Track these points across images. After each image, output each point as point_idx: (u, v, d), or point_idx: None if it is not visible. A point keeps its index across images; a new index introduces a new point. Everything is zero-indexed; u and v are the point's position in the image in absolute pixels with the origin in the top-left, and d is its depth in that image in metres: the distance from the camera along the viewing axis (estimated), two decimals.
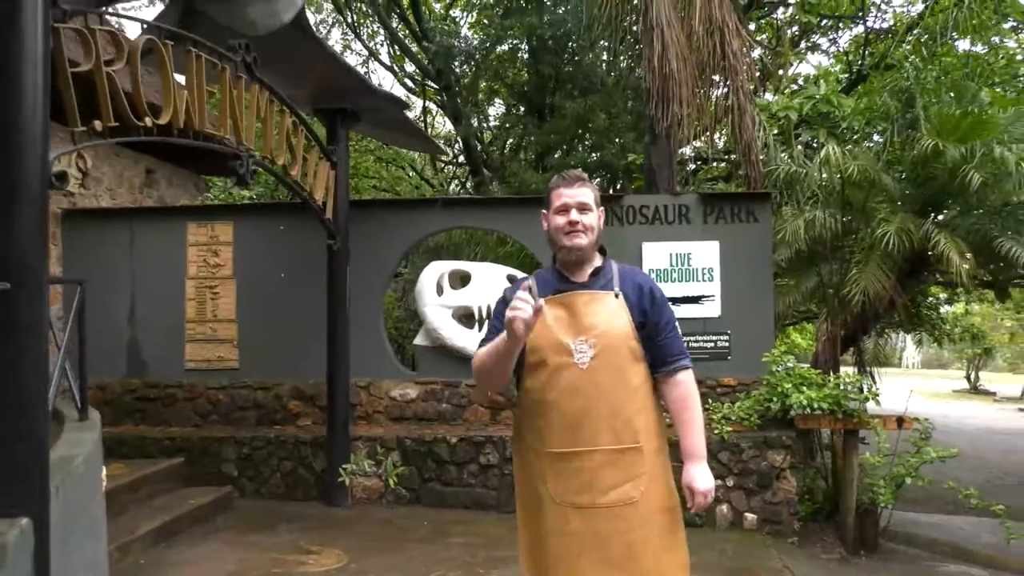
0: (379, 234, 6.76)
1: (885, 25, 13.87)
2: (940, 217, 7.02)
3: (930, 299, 13.46)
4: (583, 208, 2.29)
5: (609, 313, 2.25)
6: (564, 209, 2.29)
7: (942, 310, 18.20)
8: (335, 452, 6.10)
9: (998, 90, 8.51)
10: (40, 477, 2.76)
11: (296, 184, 5.29)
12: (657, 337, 2.30)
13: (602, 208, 2.39)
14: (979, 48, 12.63)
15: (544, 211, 2.40)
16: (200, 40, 4.04)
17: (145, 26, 3.74)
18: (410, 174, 16.73)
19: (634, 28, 7.27)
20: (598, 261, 2.37)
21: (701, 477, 2.25)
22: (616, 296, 2.29)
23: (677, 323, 2.39)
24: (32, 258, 2.73)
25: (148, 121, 3.49)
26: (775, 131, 9.05)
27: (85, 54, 3.14)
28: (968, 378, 39.70)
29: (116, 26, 3.78)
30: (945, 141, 5.92)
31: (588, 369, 2.21)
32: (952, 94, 6.53)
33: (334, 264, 6.14)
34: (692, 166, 13.80)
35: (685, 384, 2.32)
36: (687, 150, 12.52)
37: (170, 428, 6.85)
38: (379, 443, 6.28)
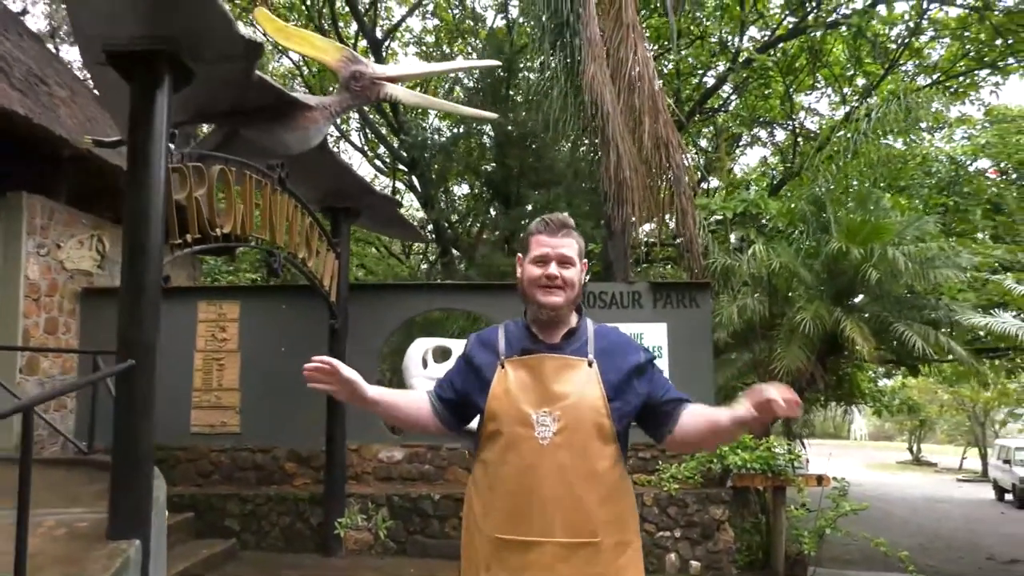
0: (372, 313, 7.70)
1: (814, 126, 15.69)
2: (857, 300, 8.25)
3: (870, 373, 14.74)
4: (564, 262, 2.02)
5: (581, 383, 1.98)
6: (542, 260, 2.03)
7: (880, 383, 19.58)
8: (331, 507, 6.88)
9: (902, 197, 9.94)
10: (146, 511, 3.61)
11: (311, 273, 6.25)
12: (662, 398, 2.05)
13: (585, 261, 2.10)
14: (899, 144, 14.37)
15: (519, 256, 2.13)
16: (252, 163, 5.04)
17: (221, 159, 4.70)
18: (381, 251, 17.72)
19: (595, 140, 8.49)
20: (573, 320, 2.09)
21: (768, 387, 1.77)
22: (590, 364, 2.01)
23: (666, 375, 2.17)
24: (150, 342, 3.64)
25: (218, 232, 4.45)
26: (715, 220, 10.34)
27: (181, 185, 4.10)
28: (911, 449, 41.25)
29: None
30: (849, 243, 7.17)
31: (549, 446, 1.92)
32: (855, 202, 7.83)
33: (335, 340, 7.03)
34: (645, 248, 15.12)
35: (701, 405, 2.04)
36: (643, 230, 13.85)
37: (175, 487, 7.52)
38: (370, 500, 7.07)
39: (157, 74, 3.73)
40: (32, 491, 4.67)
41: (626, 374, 2.02)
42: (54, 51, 15.12)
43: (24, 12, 11.95)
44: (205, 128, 7.00)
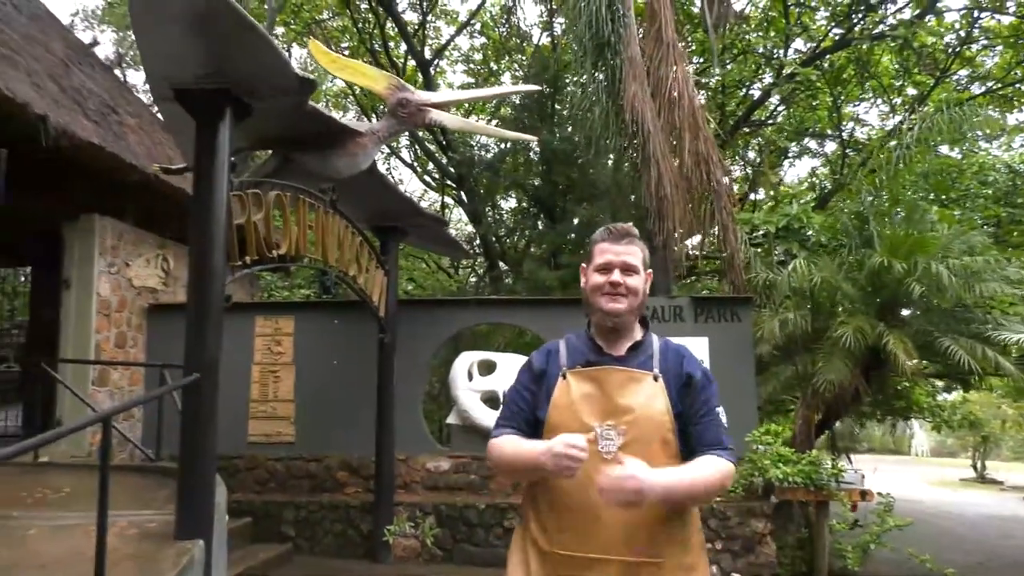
0: (421, 328, 7.97)
1: (864, 136, 15.52)
2: (905, 313, 8.20)
3: (928, 387, 14.43)
4: (628, 269, 2.03)
5: (646, 397, 1.96)
6: (606, 268, 2.03)
7: (939, 397, 19.06)
8: (380, 515, 7.14)
9: (956, 208, 9.81)
10: (210, 513, 3.90)
11: (361, 290, 6.55)
12: (689, 424, 1.99)
13: (650, 271, 2.11)
14: (955, 153, 14.13)
15: (584, 265, 2.14)
16: (306, 188, 5.36)
17: (278, 185, 5.02)
18: (431, 266, 18.08)
19: (636, 157, 8.65)
20: (638, 334, 2.09)
21: (647, 471, 1.79)
22: (656, 379, 1.99)
23: (721, 411, 2.05)
24: (213, 357, 3.94)
25: (275, 253, 4.76)
26: (760, 233, 10.37)
27: (241, 210, 4.41)
28: (974, 466, 39.80)
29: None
30: (892, 257, 7.16)
31: (613, 461, 1.88)
32: (902, 216, 7.80)
33: (384, 355, 7.32)
34: (690, 262, 15.14)
35: (716, 460, 1.94)
36: (689, 244, 13.90)
37: (234, 494, 7.88)
38: (417, 508, 7.32)
39: (219, 109, 4.05)
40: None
41: (683, 388, 2.01)
42: (121, 77, 15.97)
43: (95, 43, 12.67)
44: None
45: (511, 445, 2.00)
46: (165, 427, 5.96)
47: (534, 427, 2.04)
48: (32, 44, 7.48)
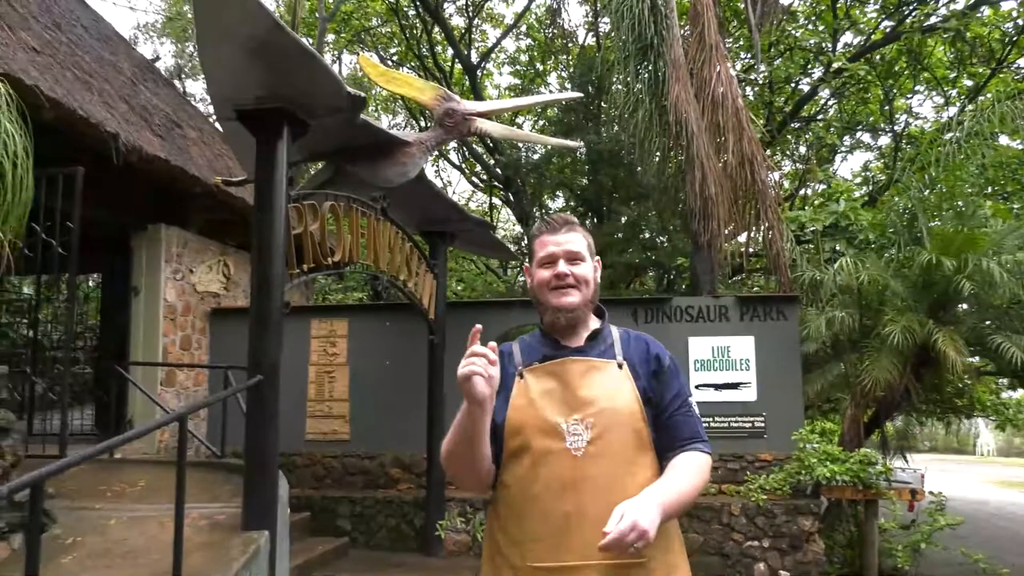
0: (469, 329, 8.09)
1: (917, 128, 15.21)
2: (961, 308, 8.08)
3: (993, 385, 14.07)
4: (573, 258, 1.90)
5: (611, 386, 1.83)
6: (549, 260, 1.90)
7: (1004, 395, 18.51)
8: (432, 511, 7.39)
9: (1009, 201, 9.61)
10: (273, 506, 4.16)
11: (411, 293, 6.80)
12: (663, 415, 1.85)
13: (598, 258, 1.98)
14: (1017, 144, 13.74)
15: (526, 265, 2.03)
16: (358, 197, 5.62)
17: (332, 196, 5.29)
18: (480, 267, 18.35)
19: (680, 158, 8.73)
20: (595, 323, 1.95)
21: (643, 509, 1.59)
22: (620, 366, 1.86)
23: (694, 401, 1.92)
24: (274, 360, 4.21)
25: (330, 260, 5.02)
26: (810, 230, 10.31)
27: (298, 221, 4.68)
28: None
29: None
30: (942, 255, 7.10)
31: (583, 457, 1.76)
32: (954, 208, 7.70)
33: (434, 356, 7.57)
34: (739, 259, 15.07)
35: (697, 457, 1.83)
36: (740, 238, 13.84)
37: (293, 489, 8.23)
38: (467, 504, 7.55)
39: (278, 128, 4.32)
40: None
41: (653, 374, 1.88)
42: (181, 88, 16.63)
43: (156, 58, 13.27)
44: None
45: (450, 431, 1.83)
46: (229, 425, 6.30)
47: (492, 433, 1.83)
48: (103, 65, 7.93)
